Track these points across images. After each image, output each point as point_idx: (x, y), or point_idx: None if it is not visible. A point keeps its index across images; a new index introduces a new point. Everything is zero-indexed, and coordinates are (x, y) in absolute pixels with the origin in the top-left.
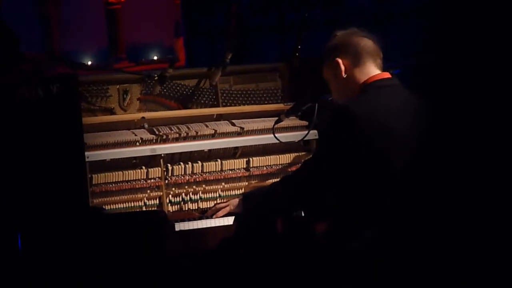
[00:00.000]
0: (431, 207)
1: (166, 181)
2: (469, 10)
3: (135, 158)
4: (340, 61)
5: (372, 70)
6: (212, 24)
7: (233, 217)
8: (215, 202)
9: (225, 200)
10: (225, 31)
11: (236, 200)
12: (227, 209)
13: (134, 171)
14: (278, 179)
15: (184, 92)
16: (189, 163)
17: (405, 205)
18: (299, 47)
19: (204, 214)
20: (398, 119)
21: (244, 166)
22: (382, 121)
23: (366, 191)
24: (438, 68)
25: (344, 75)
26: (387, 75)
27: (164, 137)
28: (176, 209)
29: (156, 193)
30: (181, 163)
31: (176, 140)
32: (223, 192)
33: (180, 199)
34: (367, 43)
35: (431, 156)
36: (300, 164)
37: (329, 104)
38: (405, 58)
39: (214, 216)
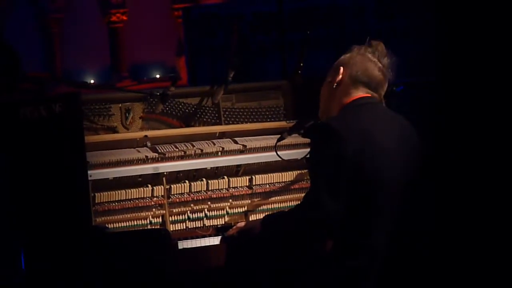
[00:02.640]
0: (425, 218)
1: (169, 199)
2: (464, 29)
3: (138, 176)
4: (342, 70)
5: (360, 94)
6: (214, 43)
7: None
8: (219, 219)
9: (227, 219)
10: (227, 49)
11: (251, 222)
12: (240, 225)
13: (137, 189)
14: (278, 199)
15: (187, 110)
16: (192, 181)
17: (399, 215)
18: (301, 65)
19: (207, 233)
20: (380, 136)
21: (247, 184)
22: (365, 138)
23: (357, 205)
24: (434, 86)
25: (335, 84)
26: (365, 94)
27: (167, 155)
28: (180, 228)
29: (160, 212)
30: (186, 181)
31: (179, 158)
32: (226, 210)
33: (186, 217)
34: (377, 76)
35: (419, 170)
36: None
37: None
38: (408, 75)
39: (226, 234)
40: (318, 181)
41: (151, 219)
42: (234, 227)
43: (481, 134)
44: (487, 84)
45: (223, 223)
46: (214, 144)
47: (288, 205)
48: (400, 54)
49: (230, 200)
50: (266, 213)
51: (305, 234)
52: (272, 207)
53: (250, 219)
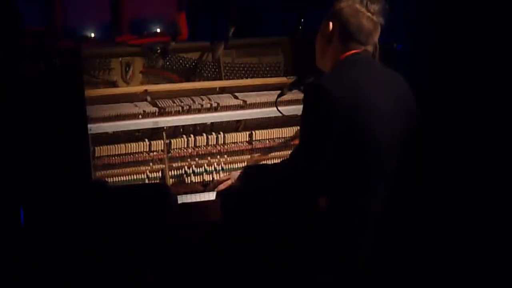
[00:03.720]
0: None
1: (169, 154)
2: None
3: (137, 131)
4: (331, 25)
5: (352, 50)
6: None
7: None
8: (218, 175)
9: (227, 174)
10: (228, 4)
11: (237, 173)
12: (228, 182)
13: (137, 143)
14: (279, 160)
15: (187, 66)
16: (192, 136)
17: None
18: (302, 21)
19: (206, 187)
20: (374, 94)
21: (247, 139)
22: (358, 96)
23: (349, 167)
24: (437, 45)
25: (325, 39)
26: (359, 50)
27: (167, 109)
28: (179, 182)
29: (159, 166)
30: (184, 136)
31: (179, 113)
32: (225, 165)
33: (183, 172)
34: (367, 25)
35: (412, 132)
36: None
37: None
38: (408, 32)
39: (216, 189)
40: (300, 139)
41: (150, 173)
42: (215, 182)
43: (480, 133)
44: (487, 80)
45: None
46: (214, 99)
47: None
48: (403, 8)
49: (230, 155)
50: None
51: (283, 190)
52: (272, 162)
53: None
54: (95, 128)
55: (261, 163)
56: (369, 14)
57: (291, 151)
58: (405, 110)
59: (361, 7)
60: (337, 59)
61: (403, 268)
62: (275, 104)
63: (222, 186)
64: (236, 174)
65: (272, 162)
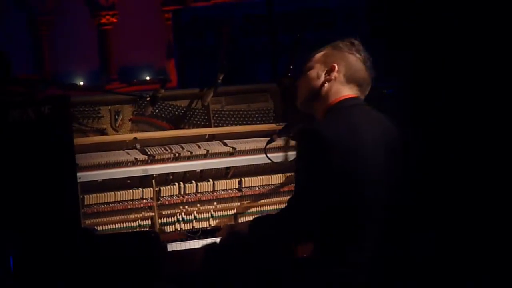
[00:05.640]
0: (408, 227)
1: (159, 202)
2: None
3: (127, 178)
4: (336, 67)
5: (346, 94)
6: (203, 45)
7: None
8: (207, 222)
9: (217, 221)
10: (217, 52)
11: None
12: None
13: (126, 191)
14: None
15: (176, 113)
16: (181, 183)
17: (383, 223)
18: (291, 67)
19: (196, 234)
20: (367, 137)
21: (237, 187)
22: (352, 140)
23: (343, 210)
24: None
25: (324, 81)
26: (352, 94)
27: (156, 157)
28: (169, 230)
29: (148, 214)
30: (173, 183)
31: (168, 160)
32: (215, 212)
33: (175, 220)
34: (367, 75)
35: (404, 175)
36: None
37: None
38: (397, 79)
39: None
40: (296, 185)
41: (140, 221)
42: (222, 231)
43: (479, 134)
44: (482, 85)
45: (213, 225)
46: (204, 147)
47: (278, 207)
48: (391, 57)
49: (220, 203)
50: (255, 216)
51: (279, 239)
52: (262, 209)
53: (240, 221)
54: (84, 176)
55: (251, 210)
56: (367, 64)
57: (281, 197)
58: (398, 155)
59: (361, 57)
60: (330, 102)
61: None
62: (265, 151)
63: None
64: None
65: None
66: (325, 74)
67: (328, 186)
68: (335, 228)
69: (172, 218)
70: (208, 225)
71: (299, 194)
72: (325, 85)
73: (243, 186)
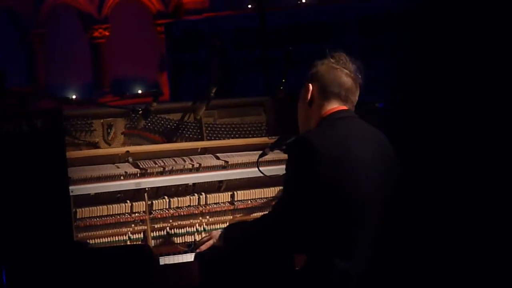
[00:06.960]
0: (397, 235)
1: (151, 215)
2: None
3: (119, 192)
4: (311, 87)
5: (335, 107)
6: (196, 59)
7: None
8: (200, 235)
9: (207, 234)
10: (209, 65)
11: (218, 232)
12: (210, 243)
13: (119, 205)
14: (259, 215)
15: (169, 126)
16: (174, 197)
17: (372, 234)
18: (284, 81)
19: (189, 248)
20: (357, 148)
21: (229, 200)
22: (341, 151)
23: (333, 221)
24: (416, 102)
25: (308, 103)
26: (342, 107)
27: (149, 170)
28: (161, 243)
29: (141, 227)
30: (166, 197)
31: (161, 174)
32: (208, 226)
33: (165, 233)
34: (346, 82)
35: (395, 185)
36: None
37: None
38: (390, 92)
39: (197, 250)
40: (283, 191)
41: (132, 235)
42: (197, 242)
43: (476, 137)
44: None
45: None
46: (196, 160)
47: None
48: (383, 71)
49: (212, 216)
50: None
51: (262, 244)
52: (253, 218)
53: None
54: (76, 189)
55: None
56: (346, 71)
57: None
58: (388, 166)
59: (337, 65)
60: (320, 116)
61: None
62: (257, 164)
63: (203, 247)
64: (217, 233)
65: (253, 218)
66: (306, 96)
67: (312, 192)
68: (324, 237)
69: (165, 231)
70: (200, 239)
71: (284, 200)
72: (309, 105)
73: (236, 199)
